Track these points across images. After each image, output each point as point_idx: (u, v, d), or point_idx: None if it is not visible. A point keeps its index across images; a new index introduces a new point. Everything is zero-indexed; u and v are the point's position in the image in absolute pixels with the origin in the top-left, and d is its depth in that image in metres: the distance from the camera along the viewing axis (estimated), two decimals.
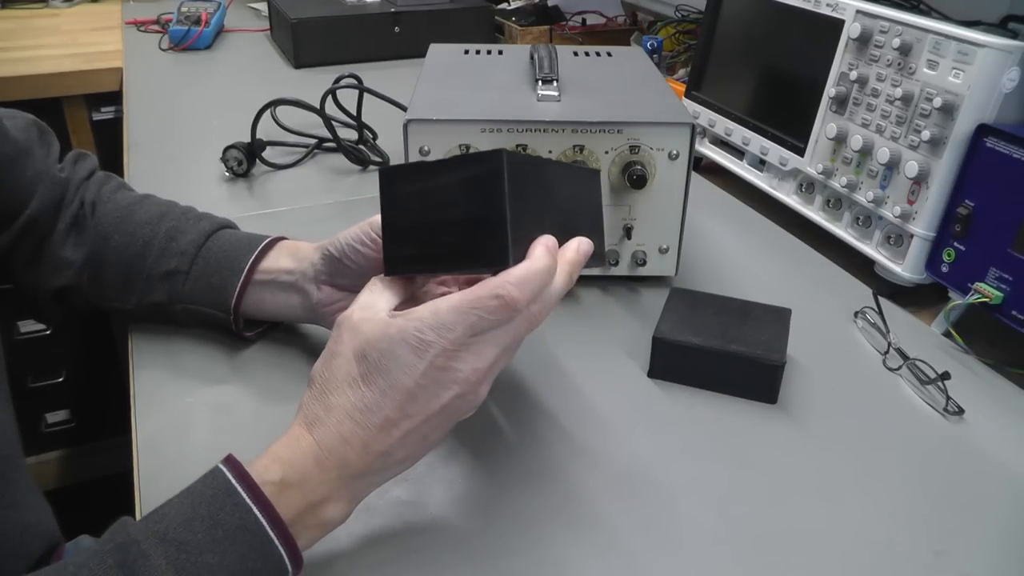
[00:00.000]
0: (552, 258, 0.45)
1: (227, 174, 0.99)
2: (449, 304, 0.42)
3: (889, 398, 0.64)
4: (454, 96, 0.77)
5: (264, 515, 0.41)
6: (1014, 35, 0.81)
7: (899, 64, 0.75)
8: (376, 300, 0.46)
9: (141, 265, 0.64)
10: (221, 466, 0.43)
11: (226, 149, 0.98)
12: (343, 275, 0.58)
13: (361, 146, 1.06)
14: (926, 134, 0.71)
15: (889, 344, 0.68)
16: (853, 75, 0.79)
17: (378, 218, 0.50)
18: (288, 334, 0.68)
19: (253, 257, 0.63)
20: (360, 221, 0.55)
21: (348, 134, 1.06)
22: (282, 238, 0.66)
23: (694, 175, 0.92)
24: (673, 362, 0.64)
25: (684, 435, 0.59)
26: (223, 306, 0.63)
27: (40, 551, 0.58)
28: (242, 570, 0.40)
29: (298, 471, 0.43)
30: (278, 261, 0.63)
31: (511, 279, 0.42)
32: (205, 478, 0.43)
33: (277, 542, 0.41)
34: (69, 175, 0.67)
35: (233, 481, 0.42)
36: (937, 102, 0.70)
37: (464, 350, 0.42)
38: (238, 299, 0.63)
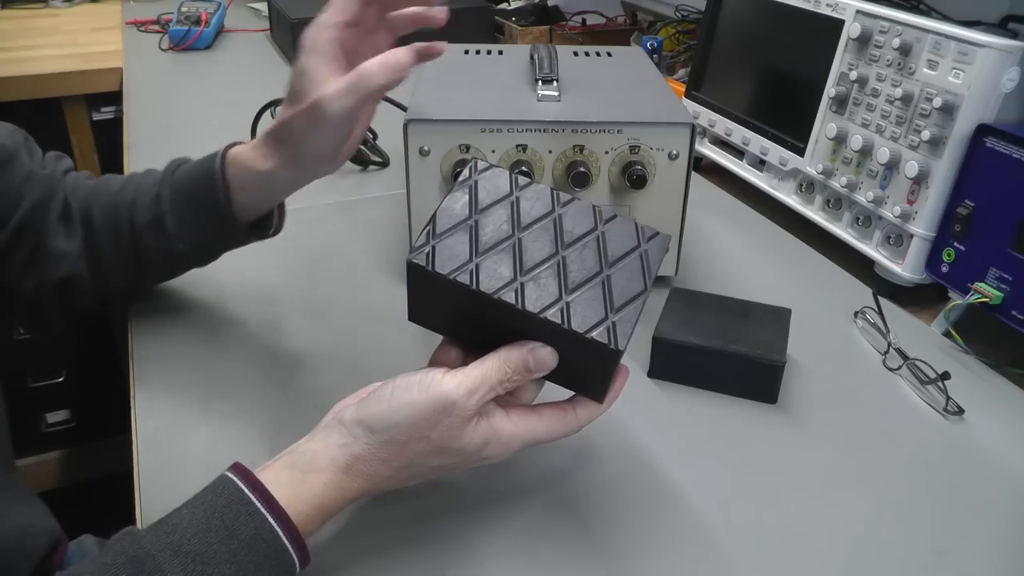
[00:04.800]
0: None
1: None
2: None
3: (889, 398, 0.64)
4: (454, 96, 0.77)
5: (279, 523, 0.42)
6: (1014, 35, 0.81)
7: (899, 64, 0.75)
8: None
9: (127, 227, 0.64)
10: (231, 475, 0.43)
11: None
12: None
13: (361, 146, 1.05)
14: (926, 134, 0.71)
15: (889, 344, 0.68)
16: (853, 75, 0.79)
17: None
18: (287, 333, 0.68)
19: (217, 163, 0.62)
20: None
21: None
22: (231, 146, 0.64)
23: (694, 175, 0.92)
24: (673, 362, 0.64)
25: (684, 435, 0.59)
26: (219, 214, 0.62)
27: (42, 550, 0.58)
28: None
29: (326, 508, 0.45)
30: (237, 164, 0.62)
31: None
32: (215, 487, 0.43)
33: (291, 549, 0.42)
34: (52, 171, 0.68)
35: (246, 490, 0.42)
36: (937, 102, 0.70)
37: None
38: (227, 205, 0.62)
